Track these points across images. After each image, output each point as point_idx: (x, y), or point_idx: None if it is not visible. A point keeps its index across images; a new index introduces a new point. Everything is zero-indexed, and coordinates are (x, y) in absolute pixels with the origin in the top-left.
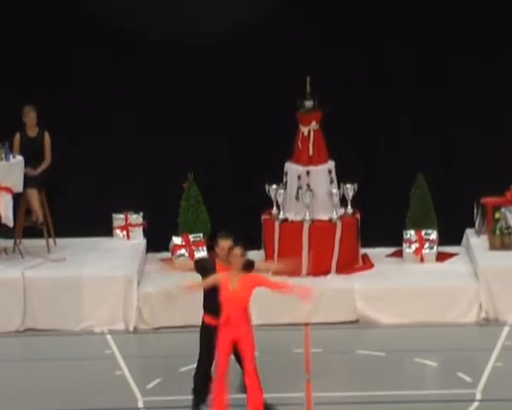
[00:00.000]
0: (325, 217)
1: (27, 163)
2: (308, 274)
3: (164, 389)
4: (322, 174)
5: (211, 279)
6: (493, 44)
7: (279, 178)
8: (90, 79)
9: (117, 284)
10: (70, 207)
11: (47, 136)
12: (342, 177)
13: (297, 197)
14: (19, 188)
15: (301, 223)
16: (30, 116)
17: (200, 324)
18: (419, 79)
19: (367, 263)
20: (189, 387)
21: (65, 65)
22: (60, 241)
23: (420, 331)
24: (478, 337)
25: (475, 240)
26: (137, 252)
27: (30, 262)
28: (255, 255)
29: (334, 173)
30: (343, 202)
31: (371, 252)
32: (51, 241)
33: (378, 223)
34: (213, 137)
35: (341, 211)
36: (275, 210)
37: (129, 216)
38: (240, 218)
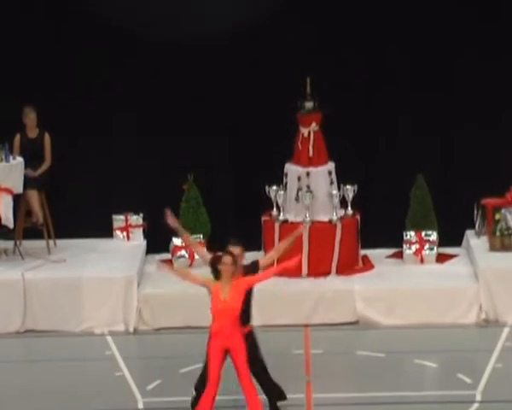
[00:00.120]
0: (325, 218)
1: (27, 164)
2: (308, 275)
3: (164, 391)
4: (322, 175)
5: (201, 279)
6: (493, 44)
7: (279, 179)
8: (90, 79)
9: (117, 285)
10: (70, 208)
11: (47, 137)
12: (342, 178)
13: (297, 198)
14: (19, 189)
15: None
16: (30, 117)
17: (199, 325)
18: (419, 79)
19: (367, 264)
20: (189, 388)
21: (65, 65)
22: (60, 242)
23: (420, 332)
24: (478, 338)
25: (475, 241)
26: (137, 253)
27: (30, 263)
28: (255, 256)
29: (334, 175)
30: (343, 203)
31: (371, 253)
32: (51, 242)
33: (378, 224)
34: (213, 138)
35: (341, 212)
36: (275, 211)
37: (129, 217)
38: (240, 219)
